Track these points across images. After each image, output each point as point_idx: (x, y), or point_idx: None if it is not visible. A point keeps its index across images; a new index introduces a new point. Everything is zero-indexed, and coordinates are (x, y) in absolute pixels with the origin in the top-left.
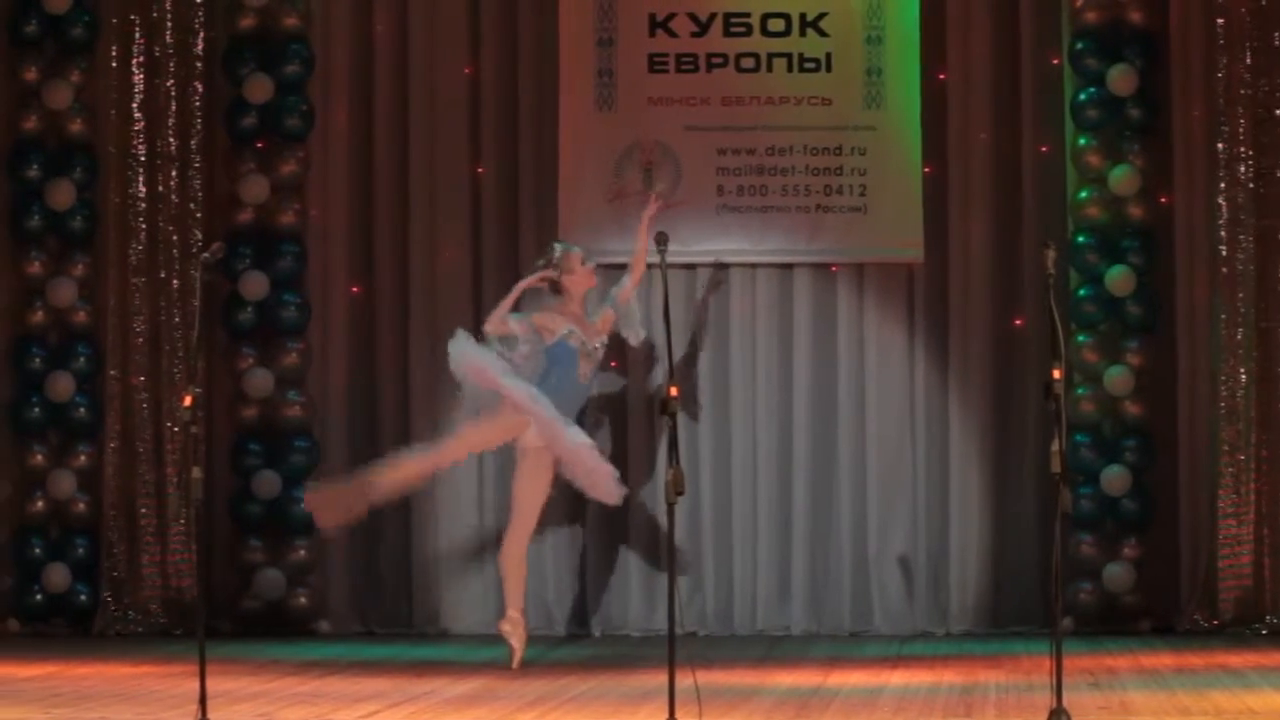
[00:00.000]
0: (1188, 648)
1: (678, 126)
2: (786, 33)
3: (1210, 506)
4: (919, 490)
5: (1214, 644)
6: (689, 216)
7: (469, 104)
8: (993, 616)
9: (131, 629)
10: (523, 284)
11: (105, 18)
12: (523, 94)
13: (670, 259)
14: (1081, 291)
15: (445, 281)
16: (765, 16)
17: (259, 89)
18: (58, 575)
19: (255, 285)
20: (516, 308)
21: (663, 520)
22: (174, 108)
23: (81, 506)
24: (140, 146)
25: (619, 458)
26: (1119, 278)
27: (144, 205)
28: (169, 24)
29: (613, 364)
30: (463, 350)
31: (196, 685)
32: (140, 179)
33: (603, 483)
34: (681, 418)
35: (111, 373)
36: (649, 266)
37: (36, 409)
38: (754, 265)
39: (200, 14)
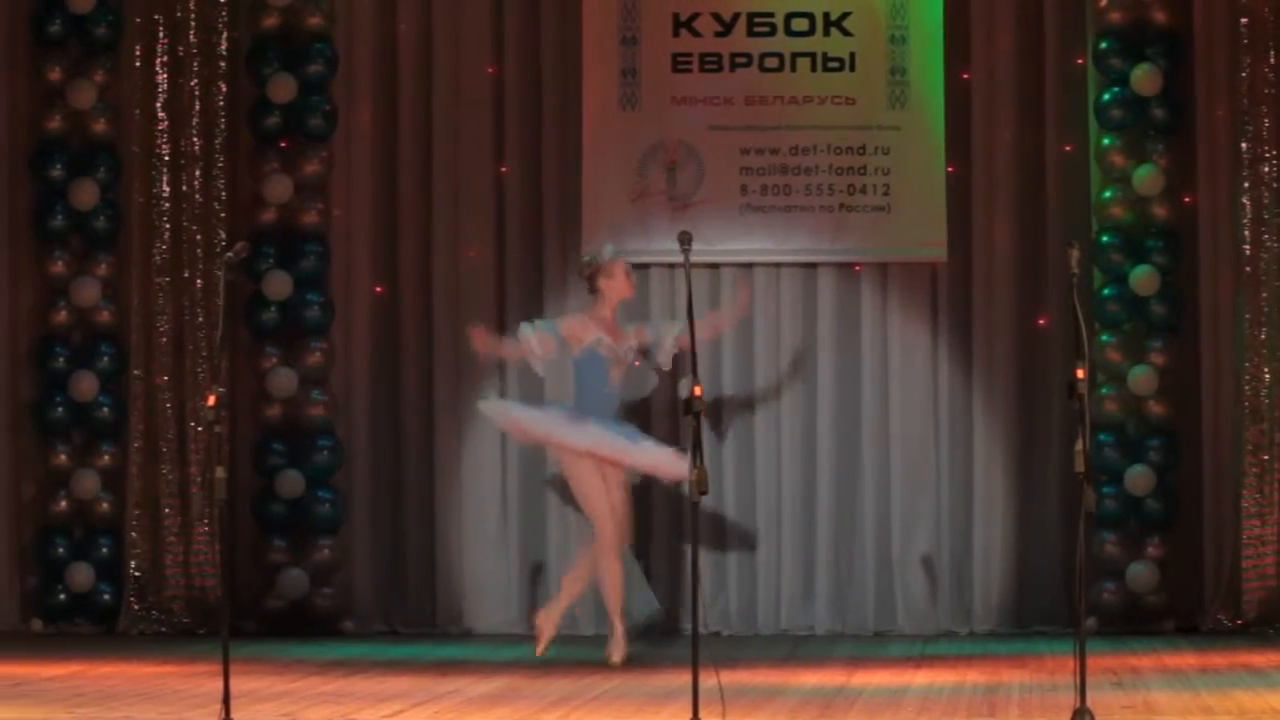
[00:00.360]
0: (1211, 647)
1: (701, 126)
2: (810, 32)
3: (1234, 506)
4: (942, 490)
5: (1238, 644)
6: (712, 216)
7: (492, 103)
8: (1016, 616)
9: (155, 629)
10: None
11: (129, 17)
12: (546, 93)
13: (694, 259)
14: (1105, 291)
15: (468, 281)
16: (789, 16)
17: (283, 88)
18: (81, 575)
19: (278, 285)
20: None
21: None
22: (198, 107)
23: (105, 506)
24: (164, 146)
25: None
26: (1143, 277)
27: (168, 205)
28: (193, 23)
29: (635, 362)
30: (497, 411)
31: (220, 685)
32: (164, 179)
33: (677, 471)
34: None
35: (135, 372)
36: (670, 266)
37: (60, 409)
38: (778, 265)
39: (224, 13)
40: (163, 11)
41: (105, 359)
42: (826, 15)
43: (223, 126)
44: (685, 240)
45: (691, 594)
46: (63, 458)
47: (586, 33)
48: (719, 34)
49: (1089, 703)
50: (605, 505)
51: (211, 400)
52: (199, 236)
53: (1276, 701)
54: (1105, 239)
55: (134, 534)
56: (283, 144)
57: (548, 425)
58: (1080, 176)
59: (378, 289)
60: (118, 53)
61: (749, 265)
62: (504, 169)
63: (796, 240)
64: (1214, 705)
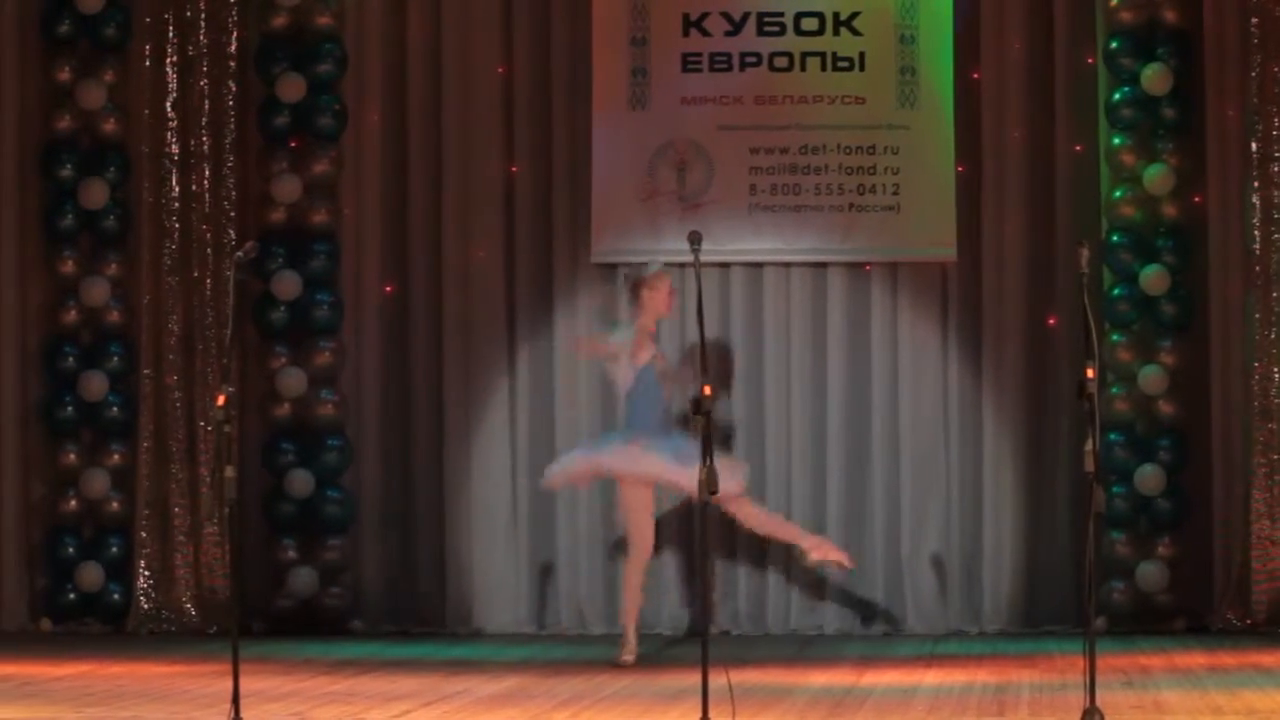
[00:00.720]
0: (1221, 647)
1: (711, 126)
2: (820, 32)
3: (1244, 506)
4: (952, 489)
5: (1247, 643)
6: (722, 216)
7: (502, 103)
8: (1026, 616)
9: (164, 628)
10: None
11: (138, 17)
12: (556, 93)
13: (703, 258)
14: (1115, 291)
15: (478, 281)
16: (799, 15)
17: (292, 88)
18: (91, 574)
19: (288, 285)
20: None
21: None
22: (207, 107)
23: (115, 506)
24: (173, 146)
25: None
26: (1153, 277)
27: (177, 205)
28: (202, 23)
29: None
30: (555, 474)
31: (229, 684)
32: (173, 178)
33: (729, 485)
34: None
35: (145, 372)
36: (681, 266)
37: (70, 408)
38: (787, 264)
39: (233, 13)
40: (172, 11)
41: (115, 358)
42: (836, 15)
43: (232, 126)
44: (695, 240)
45: (701, 594)
46: (72, 457)
47: (596, 33)
48: (729, 34)
49: (1099, 702)
50: (649, 530)
51: (221, 400)
52: (208, 236)
53: None
54: (1115, 238)
55: (143, 534)
56: (292, 144)
57: (611, 460)
58: (1090, 176)
59: (387, 289)
60: (127, 53)
61: (759, 265)
62: (513, 169)
63: (806, 240)
64: (1224, 705)
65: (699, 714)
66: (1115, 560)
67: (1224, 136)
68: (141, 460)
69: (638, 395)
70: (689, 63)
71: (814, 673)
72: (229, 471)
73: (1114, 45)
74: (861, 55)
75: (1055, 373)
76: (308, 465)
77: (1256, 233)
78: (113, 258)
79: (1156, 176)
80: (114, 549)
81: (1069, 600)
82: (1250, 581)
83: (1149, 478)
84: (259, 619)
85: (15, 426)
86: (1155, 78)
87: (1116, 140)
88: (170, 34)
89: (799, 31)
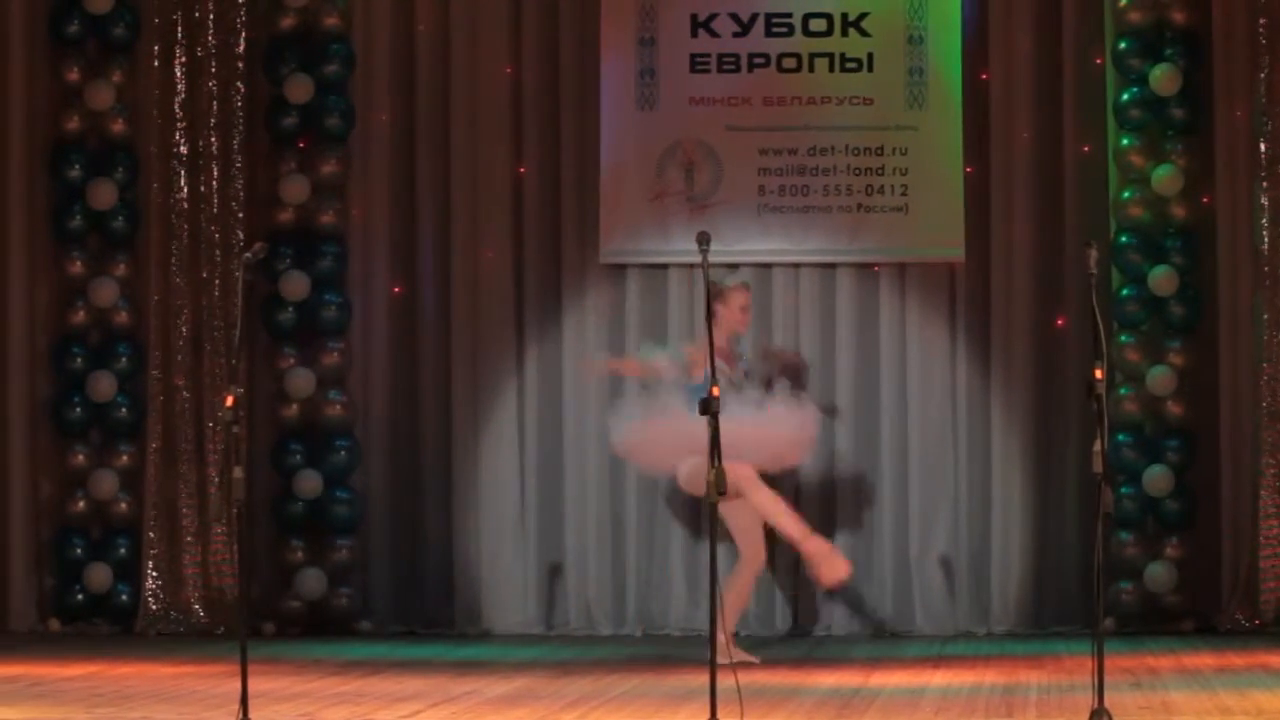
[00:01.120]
0: (1229, 647)
1: (719, 126)
2: (828, 32)
3: (1252, 506)
4: (961, 490)
5: (1255, 644)
6: (730, 216)
7: (510, 104)
8: (1034, 616)
9: (173, 629)
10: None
11: (147, 17)
12: (564, 94)
13: (712, 259)
14: (1124, 291)
15: (486, 281)
16: (807, 16)
17: (300, 89)
18: (99, 575)
19: (296, 285)
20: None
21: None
22: (215, 107)
23: (123, 506)
24: (182, 146)
25: None
26: (1161, 277)
27: (185, 205)
28: (210, 24)
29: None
30: (628, 449)
31: (238, 685)
32: (182, 179)
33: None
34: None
35: (153, 373)
36: (689, 267)
37: (78, 409)
38: (796, 265)
39: (242, 14)
40: (181, 12)
41: (123, 359)
42: (844, 15)
43: (240, 127)
44: (703, 241)
45: (710, 594)
46: (81, 458)
47: (604, 33)
48: (737, 34)
49: (1107, 703)
50: (761, 534)
51: (229, 401)
52: (217, 237)
53: None
54: (1124, 239)
55: (152, 534)
56: (300, 144)
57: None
58: (1099, 177)
59: (395, 289)
60: (136, 53)
61: (768, 265)
62: (522, 169)
63: (814, 240)
64: (1232, 706)
65: (707, 714)
66: (1123, 561)
67: (1233, 137)
68: (150, 461)
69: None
70: (697, 63)
71: (822, 673)
72: (237, 472)
73: (1123, 46)
74: (870, 56)
75: (1063, 373)
76: (316, 466)
77: (1265, 233)
78: (121, 258)
79: (1165, 177)
80: (122, 550)
81: (1077, 601)
82: (1259, 582)
83: (1157, 478)
84: (267, 619)
85: (24, 427)
86: (1164, 78)
87: (1125, 141)
88: (179, 34)
89: (807, 32)
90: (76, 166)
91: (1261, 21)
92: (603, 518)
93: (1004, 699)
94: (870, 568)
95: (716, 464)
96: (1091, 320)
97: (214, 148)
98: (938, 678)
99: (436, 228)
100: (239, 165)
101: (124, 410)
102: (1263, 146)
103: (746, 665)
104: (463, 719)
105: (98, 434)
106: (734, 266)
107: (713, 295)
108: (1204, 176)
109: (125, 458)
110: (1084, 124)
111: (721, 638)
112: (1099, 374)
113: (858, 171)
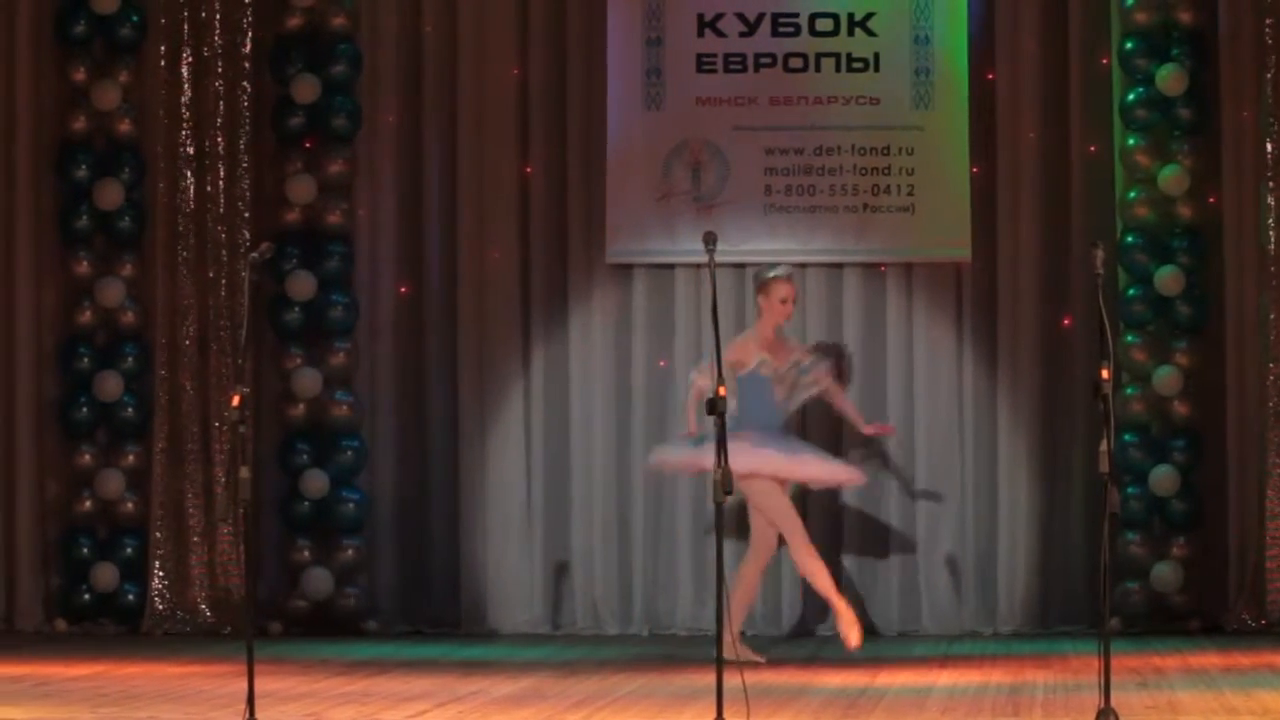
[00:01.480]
0: (1235, 647)
1: (726, 126)
2: (835, 32)
3: (1258, 506)
4: (967, 490)
5: (1262, 644)
6: (737, 216)
7: (517, 104)
8: (1040, 616)
9: (179, 629)
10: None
11: (153, 18)
12: (571, 94)
13: (718, 259)
14: (1130, 291)
15: (493, 281)
16: (813, 16)
17: (306, 89)
18: (106, 575)
19: (303, 285)
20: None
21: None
22: (221, 108)
23: (130, 506)
24: (188, 146)
25: None
26: (1168, 278)
27: (192, 205)
28: (217, 24)
29: (661, 363)
30: (662, 461)
31: (244, 685)
32: (188, 179)
33: (832, 476)
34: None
35: (160, 373)
36: (696, 267)
37: (85, 409)
38: (802, 265)
39: (248, 14)
40: (187, 12)
41: (130, 359)
42: (851, 16)
43: (247, 127)
44: (710, 241)
45: (716, 594)
46: (87, 458)
47: (611, 33)
48: (743, 34)
49: (1113, 703)
50: (794, 514)
51: (236, 400)
52: (223, 237)
53: None
54: (1130, 239)
55: (158, 534)
56: (307, 144)
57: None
58: (1105, 177)
59: (402, 289)
60: (142, 53)
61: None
62: (528, 169)
63: (821, 240)
64: (1238, 705)
65: (714, 714)
66: (1130, 561)
67: (1239, 137)
68: (156, 461)
69: (747, 400)
70: (704, 63)
71: (828, 673)
72: (244, 472)
73: (1129, 46)
74: (876, 56)
75: (1070, 373)
76: (322, 466)
77: (1272, 233)
78: (128, 258)
79: (1171, 177)
80: (129, 549)
81: (1083, 601)
82: (1265, 582)
83: (1164, 478)
84: (274, 619)
85: (31, 427)
86: (1170, 79)
87: (1131, 141)
88: (185, 35)
89: (814, 32)
90: (83, 167)
91: (1268, 22)
92: (609, 518)
93: (1010, 699)
94: (876, 567)
95: (722, 463)
96: (1098, 320)
97: (220, 148)
98: (944, 677)
99: (443, 228)
100: (245, 165)
101: (130, 410)
102: (1269, 147)
103: (752, 665)
104: (469, 719)
105: (104, 434)
106: (761, 275)
107: (759, 289)
108: (1210, 177)
109: (132, 458)
110: (1090, 124)
111: (728, 636)
112: (1105, 374)
113: (864, 171)
